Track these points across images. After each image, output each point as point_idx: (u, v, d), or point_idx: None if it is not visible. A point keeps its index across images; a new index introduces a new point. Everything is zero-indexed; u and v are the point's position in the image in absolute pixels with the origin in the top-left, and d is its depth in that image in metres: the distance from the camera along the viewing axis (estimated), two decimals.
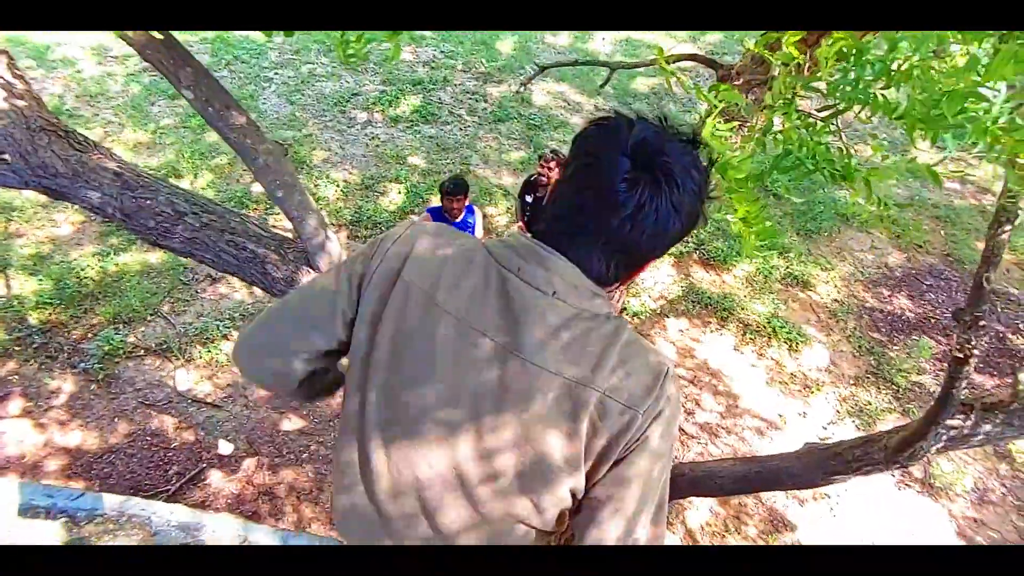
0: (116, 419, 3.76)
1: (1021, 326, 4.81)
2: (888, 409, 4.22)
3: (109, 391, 3.89)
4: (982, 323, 1.48)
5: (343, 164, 5.48)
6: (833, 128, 1.03)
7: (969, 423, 1.80)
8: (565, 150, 5.82)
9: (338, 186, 5.23)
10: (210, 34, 6.71)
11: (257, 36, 6.78)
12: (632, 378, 0.78)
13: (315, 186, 5.18)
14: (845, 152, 0.98)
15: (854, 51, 0.93)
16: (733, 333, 4.54)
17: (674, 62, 1.85)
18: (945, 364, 4.49)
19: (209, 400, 3.91)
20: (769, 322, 4.58)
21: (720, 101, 0.89)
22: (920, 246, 5.41)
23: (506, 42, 7.27)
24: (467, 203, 3.68)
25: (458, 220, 3.66)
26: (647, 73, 6.83)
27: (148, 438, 3.71)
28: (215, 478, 3.56)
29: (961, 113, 0.76)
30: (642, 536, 0.79)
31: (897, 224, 5.55)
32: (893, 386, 4.35)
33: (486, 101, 6.33)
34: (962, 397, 1.76)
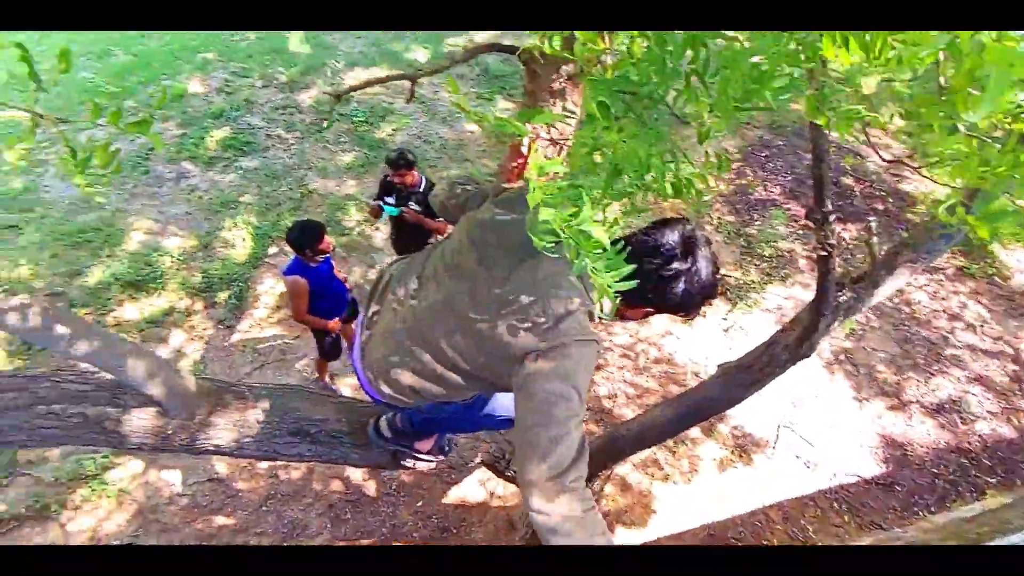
0: None
1: (846, 166, 5.37)
2: (767, 280, 4.58)
3: None
4: (832, 217, 1.56)
5: (169, 230, 4.89)
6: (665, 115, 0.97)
7: (845, 299, 1.93)
8: (399, 139, 5.58)
9: (173, 256, 4.67)
10: None
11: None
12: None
13: (145, 265, 4.59)
14: (676, 156, 0.92)
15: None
16: None
17: (471, 57, 1.73)
18: (797, 222, 4.93)
19: (116, 542, 3.45)
20: None
21: (510, 131, 0.80)
22: (747, 123, 5.81)
23: (296, 41, 6.73)
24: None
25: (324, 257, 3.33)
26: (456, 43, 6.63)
27: None
28: None
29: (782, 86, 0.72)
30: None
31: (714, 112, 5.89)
32: (766, 259, 4.72)
33: (300, 112, 5.87)
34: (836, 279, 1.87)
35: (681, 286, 1.19)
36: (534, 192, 0.72)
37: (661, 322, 4.33)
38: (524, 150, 1.54)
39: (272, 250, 4.72)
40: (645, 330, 4.30)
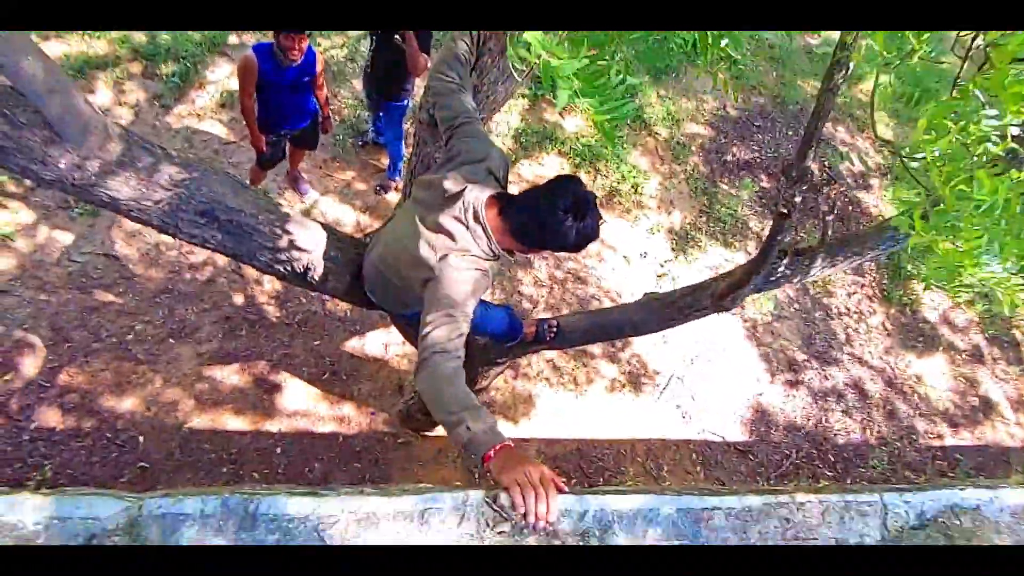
0: None
1: (825, 163, 5.41)
2: (715, 242, 4.67)
3: None
4: (807, 177, 1.54)
5: None
6: None
7: (783, 268, 1.97)
8: None
9: None
10: None
11: None
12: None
13: None
14: None
15: None
16: (586, 180, 4.60)
17: None
18: (761, 201, 4.99)
19: None
20: (618, 168, 4.68)
21: None
22: (755, 87, 5.67)
23: None
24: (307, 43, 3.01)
25: (296, 64, 2.99)
26: None
27: None
28: (22, 379, 3.09)
29: None
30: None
31: (737, 64, 5.70)
32: (720, 222, 4.78)
33: None
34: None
35: (573, 236, 1.49)
36: None
37: (597, 254, 4.37)
38: None
39: (232, 39, 4.27)
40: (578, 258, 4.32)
